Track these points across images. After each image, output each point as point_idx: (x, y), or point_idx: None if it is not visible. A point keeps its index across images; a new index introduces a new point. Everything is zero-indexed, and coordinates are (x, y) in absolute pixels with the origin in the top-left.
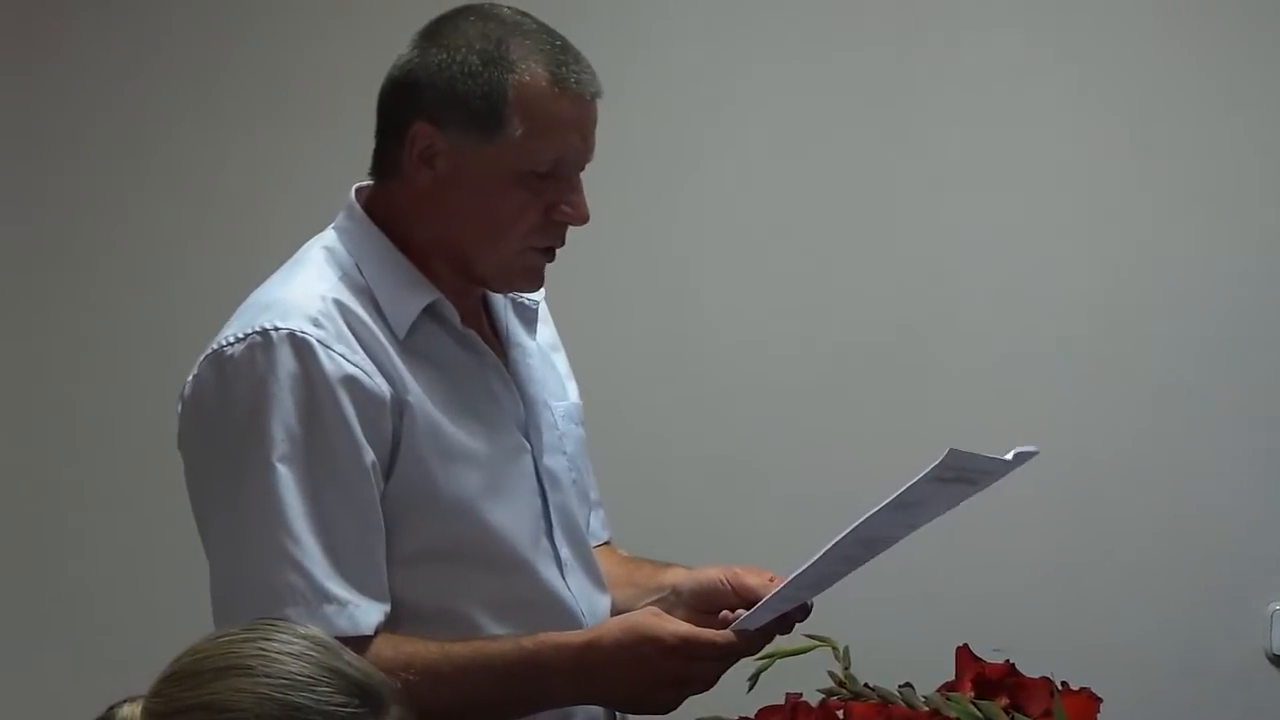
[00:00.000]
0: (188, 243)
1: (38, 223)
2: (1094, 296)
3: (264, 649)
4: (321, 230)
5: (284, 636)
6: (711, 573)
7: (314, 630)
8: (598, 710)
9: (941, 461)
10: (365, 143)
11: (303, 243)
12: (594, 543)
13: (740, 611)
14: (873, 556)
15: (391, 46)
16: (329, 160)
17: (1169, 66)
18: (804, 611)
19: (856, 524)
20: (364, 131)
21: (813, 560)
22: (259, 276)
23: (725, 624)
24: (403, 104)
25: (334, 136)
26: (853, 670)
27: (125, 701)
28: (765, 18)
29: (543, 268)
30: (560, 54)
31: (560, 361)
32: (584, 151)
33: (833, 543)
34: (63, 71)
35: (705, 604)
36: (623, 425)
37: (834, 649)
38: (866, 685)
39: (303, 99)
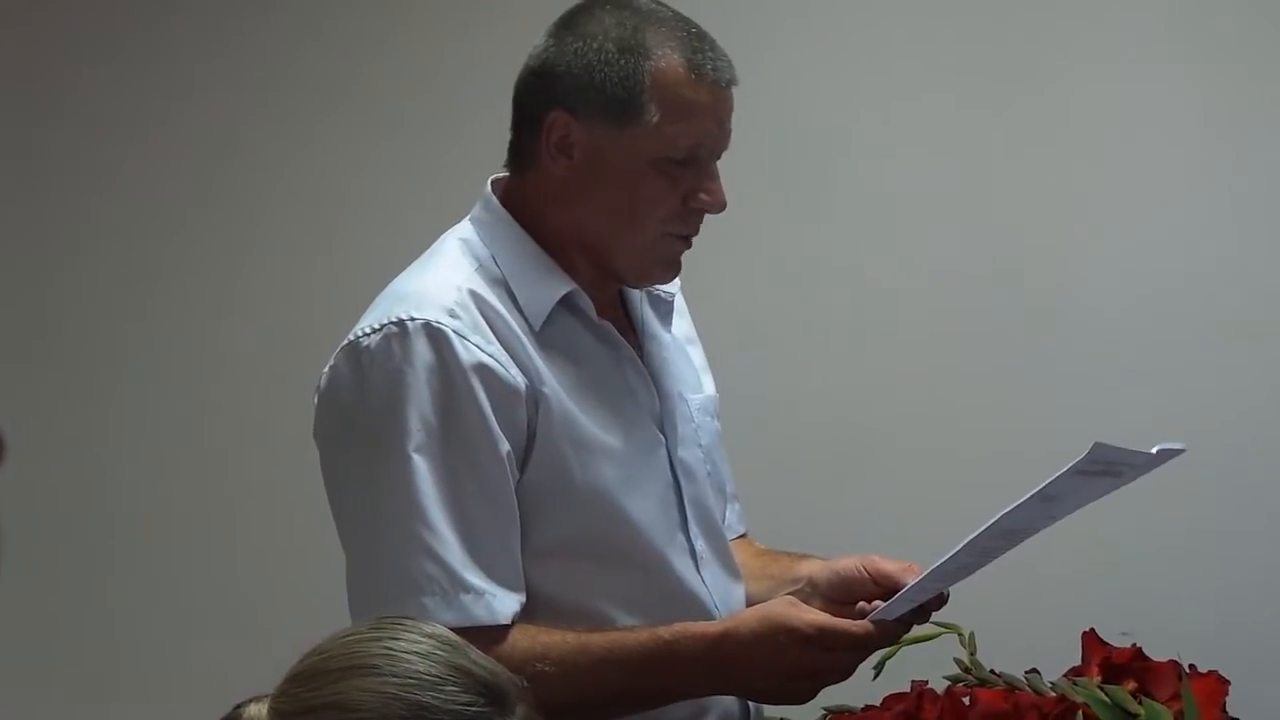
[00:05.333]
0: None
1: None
2: (1234, 284)
3: (390, 648)
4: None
5: (410, 635)
6: (848, 561)
7: (440, 629)
8: (732, 703)
9: (1086, 455)
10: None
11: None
12: (730, 536)
13: (877, 602)
14: (1011, 548)
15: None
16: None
17: None
18: (941, 600)
19: (999, 516)
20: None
21: (953, 552)
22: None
23: (862, 615)
24: (539, 94)
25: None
26: (979, 656)
27: (251, 701)
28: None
29: (679, 258)
30: (696, 41)
31: (697, 354)
32: (720, 138)
33: (974, 534)
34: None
35: (842, 594)
36: (760, 419)
37: (960, 635)
38: (992, 671)
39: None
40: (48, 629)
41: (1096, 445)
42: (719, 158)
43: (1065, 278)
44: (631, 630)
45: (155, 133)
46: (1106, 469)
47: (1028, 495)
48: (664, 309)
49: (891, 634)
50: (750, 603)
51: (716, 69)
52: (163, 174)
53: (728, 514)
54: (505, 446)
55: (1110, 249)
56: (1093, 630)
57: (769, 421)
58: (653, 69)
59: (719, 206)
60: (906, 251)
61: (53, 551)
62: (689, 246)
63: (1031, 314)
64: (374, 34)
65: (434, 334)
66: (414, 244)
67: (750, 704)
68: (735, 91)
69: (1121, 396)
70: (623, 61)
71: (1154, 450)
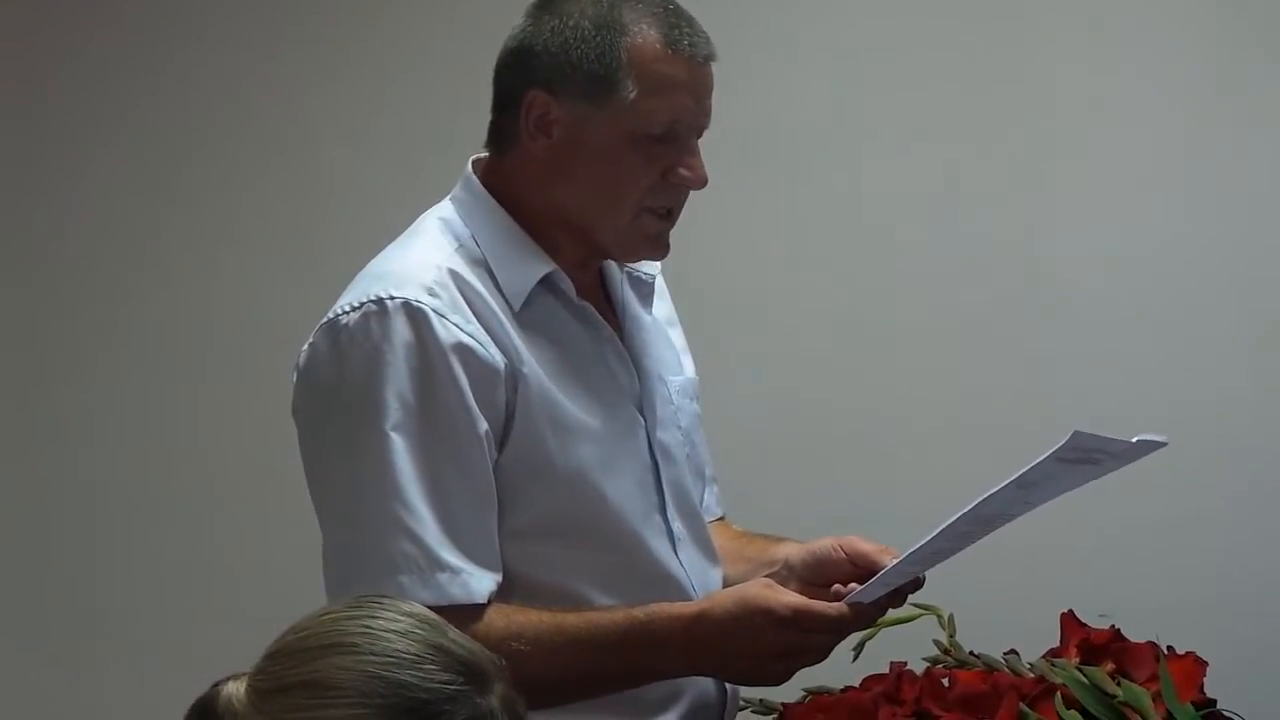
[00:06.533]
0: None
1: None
2: (1217, 275)
3: (369, 627)
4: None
5: (389, 614)
6: (824, 543)
7: (419, 608)
8: (708, 682)
9: (1066, 442)
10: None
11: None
12: (708, 518)
13: (853, 585)
14: (988, 533)
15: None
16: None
17: None
18: (916, 584)
19: (977, 501)
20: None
21: (930, 536)
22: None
23: (838, 597)
24: (517, 73)
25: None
26: (958, 638)
27: (230, 679)
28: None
29: (665, 234)
30: (672, 17)
31: (677, 336)
32: (698, 114)
33: (951, 519)
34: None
35: (818, 575)
36: (740, 401)
37: (939, 617)
38: (971, 653)
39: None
40: (33, 613)
41: (1076, 433)
42: (699, 135)
43: (1049, 269)
44: (607, 610)
45: (135, 120)
46: (1086, 457)
47: (1006, 481)
48: (644, 290)
49: (867, 617)
50: (727, 585)
51: (694, 44)
52: (141, 160)
53: (706, 496)
54: (483, 426)
55: (1093, 242)
56: (1071, 611)
57: (749, 404)
58: (629, 45)
59: (700, 182)
60: (887, 238)
61: (38, 535)
62: (671, 224)
63: (1015, 303)
64: (358, 17)
65: (413, 313)
66: (395, 225)
67: (727, 685)
68: (720, 77)
69: (1103, 383)
70: (599, 38)
71: (1134, 440)
